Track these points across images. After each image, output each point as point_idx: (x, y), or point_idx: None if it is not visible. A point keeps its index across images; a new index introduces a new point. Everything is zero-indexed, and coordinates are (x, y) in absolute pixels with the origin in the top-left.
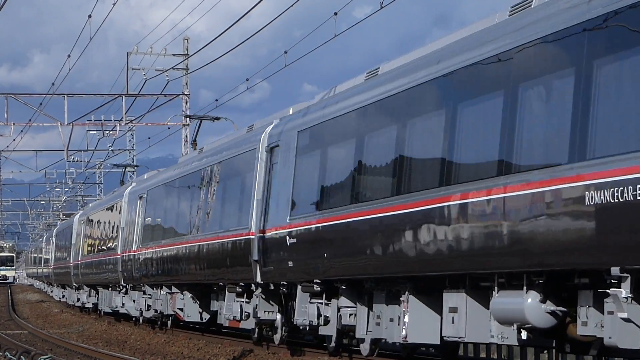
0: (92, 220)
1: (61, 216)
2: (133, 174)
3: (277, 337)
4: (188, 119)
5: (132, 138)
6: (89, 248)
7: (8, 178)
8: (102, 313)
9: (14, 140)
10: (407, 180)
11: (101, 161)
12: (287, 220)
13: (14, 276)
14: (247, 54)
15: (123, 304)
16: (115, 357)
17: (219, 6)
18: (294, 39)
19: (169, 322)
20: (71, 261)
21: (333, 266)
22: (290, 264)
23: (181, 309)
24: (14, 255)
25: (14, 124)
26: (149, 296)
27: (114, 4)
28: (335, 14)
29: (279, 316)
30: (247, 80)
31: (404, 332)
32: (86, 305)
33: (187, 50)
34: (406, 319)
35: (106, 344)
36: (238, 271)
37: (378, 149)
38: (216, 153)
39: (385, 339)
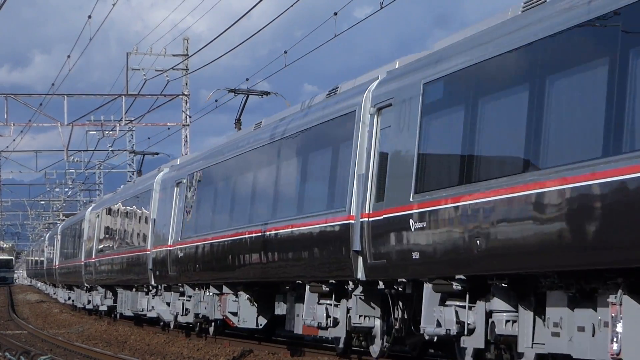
0: (110, 214)
1: (61, 216)
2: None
3: (375, 349)
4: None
5: (132, 138)
6: (107, 244)
7: (8, 178)
8: (118, 317)
9: (14, 140)
10: None
11: (101, 161)
12: (411, 199)
13: (12, 277)
14: (248, 54)
15: (152, 307)
16: (114, 358)
17: (220, 7)
18: (295, 39)
19: (211, 329)
20: (82, 259)
21: (485, 257)
22: (416, 255)
23: (234, 313)
24: (12, 259)
25: (13, 124)
26: (188, 298)
27: (113, 4)
28: (335, 14)
29: (378, 322)
30: (247, 80)
31: (615, 347)
32: (100, 308)
33: (187, 50)
34: (619, 328)
35: (106, 344)
36: (328, 266)
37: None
38: (289, 123)
39: (571, 355)
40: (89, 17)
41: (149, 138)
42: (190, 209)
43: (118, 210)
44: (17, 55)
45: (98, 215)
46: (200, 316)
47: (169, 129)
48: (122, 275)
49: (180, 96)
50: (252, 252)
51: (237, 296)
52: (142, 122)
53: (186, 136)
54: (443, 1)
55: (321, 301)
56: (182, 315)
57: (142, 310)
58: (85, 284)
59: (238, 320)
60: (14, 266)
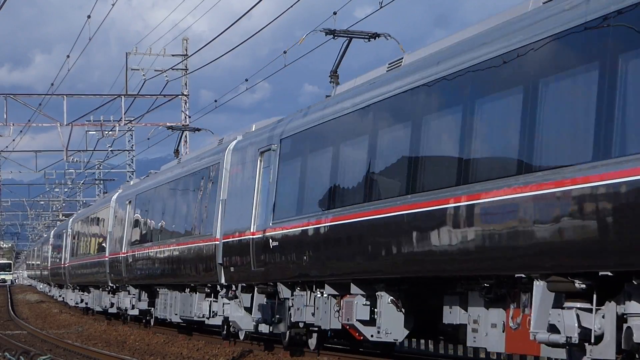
0: (149, 199)
1: (60, 216)
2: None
3: None
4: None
5: (132, 138)
6: (146, 235)
7: (7, 178)
8: (152, 323)
9: (14, 140)
10: None
11: (100, 161)
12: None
13: (11, 279)
14: (248, 54)
15: (216, 312)
16: (114, 358)
17: (221, 7)
18: (295, 39)
19: (312, 341)
20: (107, 255)
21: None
22: None
23: (366, 321)
24: (11, 262)
25: (13, 124)
26: (281, 300)
27: (113, 4)
28: (335, 13)
29: None
30: (246, 80)
31: None
32: (129, 312)
33: (186, 50)
34: None
35: (105, 345)
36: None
37: None
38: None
39: None
40: (88, 17)
41: (148, 138)
42: (288, 183)
43: (160, 194)
44: (18, 55)
45: (130, 202)
46: (300, 325)
47: (168, 129)
48: (168, 272)
49: (180, 96)
50: (419, 234)
51: (368, 298)
52: (142, 122)
53: (186, 136)
54: (443, 1)
55: (568, 304)
56: (271, 323)
57: (202, 316)
58: (111, 284)
59: (378, 331)
60: (12, 269)
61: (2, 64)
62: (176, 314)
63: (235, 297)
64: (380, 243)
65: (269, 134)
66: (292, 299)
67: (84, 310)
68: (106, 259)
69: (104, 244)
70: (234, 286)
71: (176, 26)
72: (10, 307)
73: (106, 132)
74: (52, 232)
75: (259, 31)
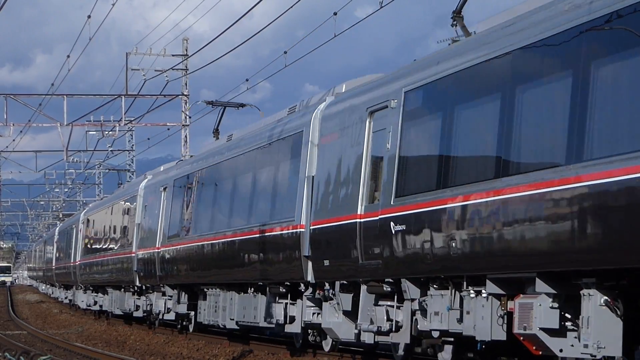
0: (200, 181)
1: (60, 216)
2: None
3: None
4: (187, 119)
5: (132, 139)
6: (200, 224)
7: (7, 178)
8: (191, 328)
9: (14, 140)
10: None
11: (100, 161)
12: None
13: (11, 281)
14: (249, 54)
15: (291, 318)
16: (114, 358)
17: (222, 7)
18: (296, 39)
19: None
20: (134, 250)
21: None
22: None
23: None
24: (11, 265)
25: (13, 124)
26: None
27: (113, 4)
28: (335, 13)
29: None
30: (247, 80)
31: None
32: (163, 317)
33: (186, 50)
34: None
35: (105, 345)
36: None
37: None
38: None
39: None
40: (89, 17)
41: (148, 138)
42: (422, 147)
43: (212, 176)
44: (19, 55)
45: (165, 188)
46: (435, 334)
47: (168, 129)
48: (224, 268)
49: (180, 96)
50: None
51: (557, 298)
52: (142, 123)
53: (186, 136)
54: (444, 1)
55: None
56: (382, 332)
57: (273, 322)
58: (138, 284)
59: (577, 345)
60: (11, 271)
61: (3, 64)
62: (232, 319)
63: (329, 298)
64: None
65: (384, 89)
66: (424, 301)
67: (96, 314)
68: (133, 255)
69: (129, 239)
70: (327, 284)
71: (177, 26)
72: (10, 307)
73: (106, 132)
74: (57, 228)
75: (259, 31)
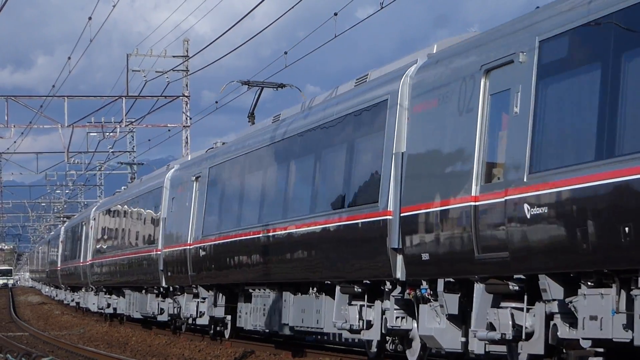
0: (242, 163)
1: (62, 218)
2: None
3: None
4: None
5: (133, 140)
6: (249, 214)
7: (9, 180)
8: (228, 335)
9: (15, 142)
10: None
11: (101, 163)
12: None
13: (13, 283)
14: (251, 55)
15: (367, 322)
16: (116, 359)
17: (224, 8)
18: (298, 40)
19: None
20: (160, 248)
21: None
22: None
23: None
24: (12, 268)
25: (14, 126)
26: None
27: (114, 6)
28: (336, 14)
29: None
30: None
31: None
32: (196, 321)
33: (187, 51)
34: None
35: (107, 346)
36: None
37: None
38: None
39: None
40: (89, 18)
41: (149, 140)
42: None
43: (266, 158)
44: (20, 57)
45: (198, 178)
46: None
47: (169, 130)
48: (282, 265)
49: (181, 97)
50: None
51: None
52: (143, 124)
53: (187, 137)
54: (444, 1)
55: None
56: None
57: (341, 327)
58: (165, 285)
59: None
60: (12, 274)
61: (4, 66)
62: (285, 324)
63: (425, 299)
64: None
65: (505, 41)
66: (570, 302)
67: (106, 317)
68: (158, 252)
69: (152, 235)
70: (423, 282)
71: (179, 27)
72: (12, 309)
73: (107, 134)
74: (63, 227)
75: (260, 32)
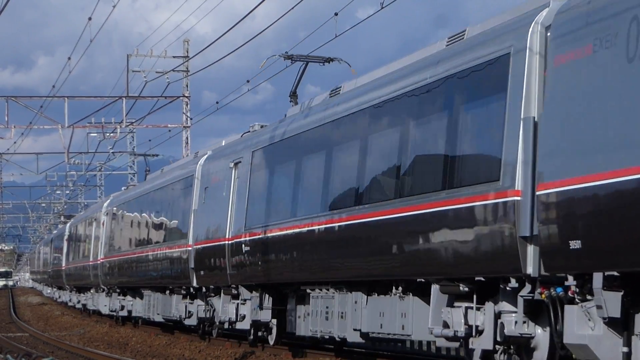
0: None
1: (62, 219)
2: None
3: None
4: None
5: (133, 140)
6: (309, 200)
7: (9, 181)
8: (271, 341)
9: (15, 142)
10: None
11: (102, 163)
12: None
13: (13, 284)
14: (252, 56)
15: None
16: None
17: (225, 9)
18: (298, 40)
19: None
20: (191, 243)
21: None
22: None
23: None
24: (12, 270)
25: (14, 126)
26: None
27: (114, 6)
28: (336, 14)
29: None
30: (247, 82)
31: None
32: (234, 326)
33: (187, 52)
34: None
35: (107, 347)
36: None
37: None
38: None
39: None
40: (89, 19)
41: (149, 140)
42: None
43: (337, 133)
44: (21, 57)
45: (238, 163)
46: None
47: (169, 130)
48: (355, 261)
49: (181, 98)
50: None
51: None
52: (143, 124)
53: (187, 138)
54: (445, 1)
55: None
56: None
57: (462, 333)
58: (196, 285)
59: None
60: (12, 276)
61: (5, 66)
62: (356, 329)
63: (570, 299)
64: None
65: None
66: None
67: (118, 320)
68: (189, 249)
69: (181, 230)
70: (570, 278)
71: (179, 28)
72: (12, 310)
73: (107, 134)
74: (68, 224)
75: (260, 32)
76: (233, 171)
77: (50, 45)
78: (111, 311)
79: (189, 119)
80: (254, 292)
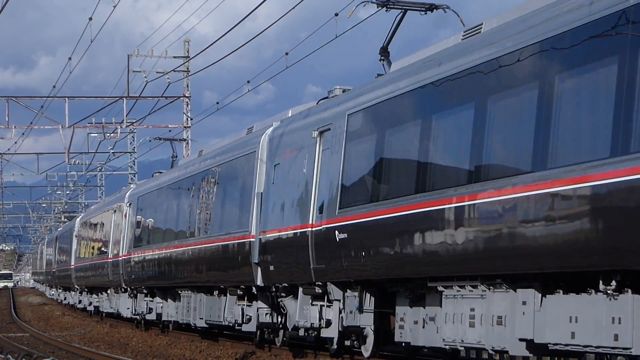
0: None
1: (62, 219)
2: None
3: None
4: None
5: (133, 140)
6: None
7: (9, 181)
8: (366, 354)
9: (15, 143)
10: None
11: (102, 164)
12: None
13: (13, 285)
14: (253, 56)
15: None
16: None
17: (227, 10)
18: (299, 41)
19: None
20: (254, 232)
21: None
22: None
23: None
24: (12, 272)
25: (15, 126)
26: None
27: (114, 7)
28: (336, 14)
29: None
30: (248, 82)
31: None
32: (321, 333)
33: (187, 52)
34: None
35: (108, 347)
36: None
37: None
38: None
39: None
40: (90, 19)
41: (149, 140)
42: None
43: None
44: (22, 58)
45: (321, 133)
46: None
47: (170, 131)
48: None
49: (182, 98)
50: None
51: None
52: (144, 124)
53: (187, 141)
54: (446, 2)
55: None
56: None
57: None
58: (261, 283)
59: None
60: (12, 278)
61: (7, 67)
62: (524, 339)
63: None
64: None
65: None
66: None
67: (138, 324)
68: (251, 240)
69: (238, 217)
70: None
71: (181, 28)
72: (12, 310)
73: (108, 134)
74: (78, 218)
75: (261, 32)
76: (318, 141)
77: (52, 45)
78: (135, 314)
79: (189, 119)
80: (348, 290)
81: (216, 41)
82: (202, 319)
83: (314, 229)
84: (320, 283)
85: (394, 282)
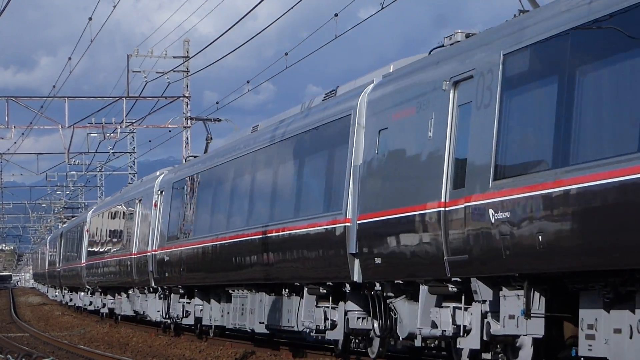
0: None
1: (62, 219)
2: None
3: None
4: (189, 120)
5: (133, 140)
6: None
7: (9, 181)
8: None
9: (15, 143)
10: None
11: (102, 164)
12: None
13: (12, 285)
14: (254, 56)
15: None
16: None
17: (227, 10)
18: (300, 41)
19: None
20: (351, 216)
21: None
22: None
23: None
24: (11, 274)
25: (14, 126)
26: None
27: (114, 6)
28: (336, 15)
29: None
30: (247, 82)
31: None
32: (461, 344)
33: (187, 52)
34: None
35: (108, 347)
36: None
37: None
38: None
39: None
40: (90, 19)
41: (150, 140)
42: None
43: None
44: (22, 58)
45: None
46: None
47: (169, 131)
48: None
49: (181, 98)
50: None
51: None
52: (143, 124)
53: (187, 138)
54: (446, 2)
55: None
56: None
57: None
58: (359, 279)
59: None
60: (11, 279)
61: (7, 66)
62: None
63: None
64: None
65: None
66: None
67: (166, 328)
68: (347, 224)
69: (326, 197)
70: None
71: (181, 28)
72: (12, 310)
73: (108, 135)
74: (90, 211)
75: (261, 31)
76: (452, 95)
77: (53, 45)
78: (166, 317)
79: (189, 119)
80: (505, 289)
81: (215, 40)
82: (262, 323)
83: (447, 208)
84: (458, 279)
85: (582, 277)
